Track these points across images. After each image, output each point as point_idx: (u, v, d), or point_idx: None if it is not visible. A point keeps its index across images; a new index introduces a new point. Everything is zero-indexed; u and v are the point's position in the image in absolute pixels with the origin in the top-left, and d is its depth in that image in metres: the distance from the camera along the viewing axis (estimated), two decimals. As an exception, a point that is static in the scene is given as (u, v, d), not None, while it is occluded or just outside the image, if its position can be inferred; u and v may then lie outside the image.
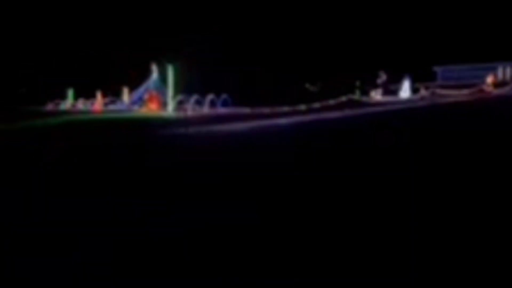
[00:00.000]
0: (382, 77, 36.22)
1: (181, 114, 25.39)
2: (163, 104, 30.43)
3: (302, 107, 16.79)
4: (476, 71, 45.80)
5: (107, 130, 17.30)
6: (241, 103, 29.70)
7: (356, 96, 36.75)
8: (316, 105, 17.91)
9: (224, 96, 29.00)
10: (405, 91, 34.78)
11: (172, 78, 27.48)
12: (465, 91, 31.35)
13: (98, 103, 32.67)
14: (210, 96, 28.11)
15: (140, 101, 34.21)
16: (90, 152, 11.11)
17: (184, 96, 28.08)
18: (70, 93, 35.29)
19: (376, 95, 35.12)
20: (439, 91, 30.03)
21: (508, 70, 40.58)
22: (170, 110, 27.24)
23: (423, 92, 33.81)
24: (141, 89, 36.38)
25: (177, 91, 28.05)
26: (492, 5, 44.92)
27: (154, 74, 35.81)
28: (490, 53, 44.69)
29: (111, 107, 32.77)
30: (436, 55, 45.96)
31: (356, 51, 39.44)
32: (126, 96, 34.76)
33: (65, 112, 27.81)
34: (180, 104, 27.85)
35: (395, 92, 35.39)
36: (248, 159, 9.66)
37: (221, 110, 26.82)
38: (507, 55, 43.93)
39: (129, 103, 34.30)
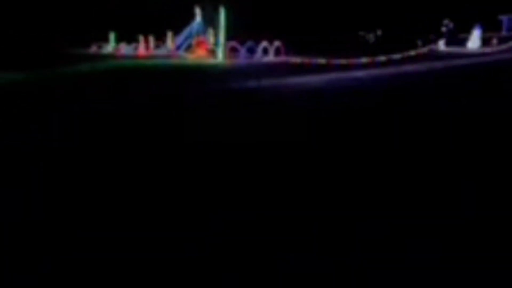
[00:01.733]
0: (448, 26, 32.86)
1: (233, 62, 23.38)
2: (212, 50, 28.44)
3: (382, 58, 14.44)
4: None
5: (166, 78, 15.59)
6: (294, 51, 27.41)
7: (419, 47, 33.74)
8: (396, 56, 15.43)
9: (277, 43, 26.66)
10: (474, 41, 31.52)
11: (224, 22, 25.19)
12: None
13: (142, 48, 30.85)
14: (263, 43, 25.86)
15: (185, 46, 32.29)
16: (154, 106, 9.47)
17: (235, 42, 25.93)
18: (112, 36, 33.53)
19: (440, 45, 32.01)
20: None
21: None
22: (220, 57, 25.18)
23: (494, 41, 30.56)
24: (185, 33, 34.38)
25: (228, 36, 25.81)
26: None
27: (198, 18, 33.63)
28: None
29: (156, 52, 30.94)
30: (502, 3, 41.69)
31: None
32: (170, 41, 32.78)
33: (109, 56, 26.18)
34: (231, 51, 25.74)
35: (462, 42, 32.19)
36: (336, 118, 7.85)
37: (279, 58, 24.64)
38: None
39: (173, 48, 32.42)
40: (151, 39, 32.69)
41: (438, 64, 18.61)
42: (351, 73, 15.50)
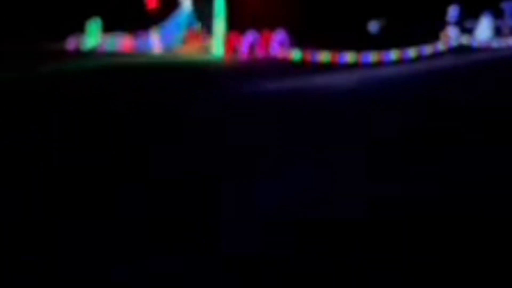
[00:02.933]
0: (454, 13, 30.81)
1: (235, 58, 20.70)
2: (207, 45, 25.64)
3: (411, 52, 12.29)
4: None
5: (168, 79, 12.86)
6: (300, 42, 24.86)
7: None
8: (426, 50, 13.22)
9: (281, 33, 24.02)
10: (484, 31, 29.66)
11: (223, 10, 22.41)
12: None
13: (127, 41, 27.70)
14: (267, 34, 23.19)
15: (174, 39, 29.35)
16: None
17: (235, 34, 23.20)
18: (93, 27, 29.97)
19: (447, 35, 30.03)
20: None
21: None
22: (219, 51, 22.43)
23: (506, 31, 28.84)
24: (172, 24, 31.37)
25: (226, 27, 23.05)
26: None
27: (186, 6, 30.62)
28: None
29: (143, 45, 27.84)
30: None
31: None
32: (155, 33, 29.71)
33: (93, 52, 23.10)
34: (230, 45, 22.98)
35: (470, 31, 30.31)
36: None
37: (284, 52, 22.05)
38: None
39: (160, 41, 29.39)
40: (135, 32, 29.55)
41: (473, 57, 16.60)
42: (379, 70, 13.24)
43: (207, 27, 26.33)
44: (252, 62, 18.35)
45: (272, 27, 23.99)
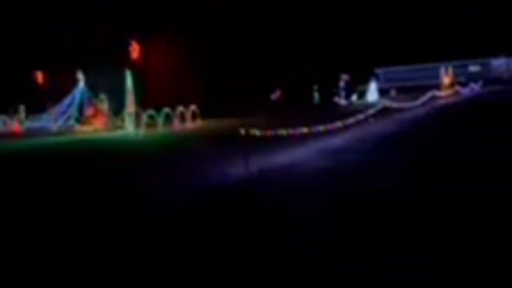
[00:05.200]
0: (345, 80, 33.37)
1: (153, 133, 19.33)
2: (109, 121, 23.92)
3: (338, 123, 11.99)
4: (416, 72, 45.91)
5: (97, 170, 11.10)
6: (207, 114, 24.49)
7: (316, 100, 33.52)
8: (351, 120, 13.22)
9: (193, 107, 23.39)
10: (372, 93, 32.33)
11: (132, 86, 21.12)
12: (443, 93, 29.85)
13: (15, 122, 24.75)
14: (180, 109, 22.30)
15: (69, 116, 26.98)
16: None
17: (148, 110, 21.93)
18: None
19: (340, 99, 32.17)
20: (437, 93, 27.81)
21: (450, 70, 40.38)
22: (130, 128, 20.84)
23: (392, 93, 31.70)
24: (67, 101, 29.03)
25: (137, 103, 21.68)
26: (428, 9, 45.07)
27: (81, 83, 28.76)
28: (428, 54, 44.91)
29: (34, 124, 25.09)
30: (377, 57, 45.01)
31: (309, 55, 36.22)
32: (51, 110, 27.29)
33: None
34: (139, 118, 21.51)
35: (362, 93, 32.79)
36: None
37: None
38: (445, 55, 44.45)
39: (55, 120, 26.86)
40: (22, 110, 26.73)
41: (397, 117, 17.43)
42: (327, 140, 12.95)
43: (113, 103, 24.73)
44: (180, 137, 17.07)
45: (183, 101, 23.37)
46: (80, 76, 28.65)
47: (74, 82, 28.53)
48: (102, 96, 26.14)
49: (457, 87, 32.50)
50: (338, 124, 12.91)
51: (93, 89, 28.27)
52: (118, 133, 20.08)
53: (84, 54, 31.15)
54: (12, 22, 32.80)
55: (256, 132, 9.56)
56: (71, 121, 25.70)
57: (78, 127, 23.37)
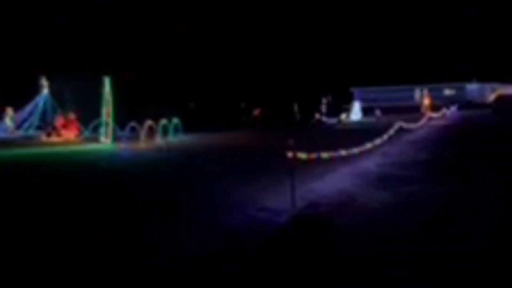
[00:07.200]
0: (328, 100, 32.31)
1: (126, 147, 17.07)
2: (82, 132, 21.43)
3: (343, 152, 10.15)
4: (390, 93, 45.77)
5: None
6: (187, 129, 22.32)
7: (297, 118, 32.19)
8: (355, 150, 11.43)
9: (175, 121, 21.27)
10: (356, 113, 31.37)
11: (110, 95, 18.78)
12: (433, 114, 29.29)
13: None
14: (163, 122, 20.10)
15: (29, 124, 24.19)
16: None
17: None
18: None
19: (325, 118, 31.00)
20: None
21: (425, 92, 40.24)
22: (105, 140, 18.44)
23: (377, 113, 30.86)
24: (28, 109, 26.20)
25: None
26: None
27: (45, 90, 26.10)
28: (402, 76, 45.03)
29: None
30: (353, 77, 44.65)
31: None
32: (9, 119, 24.43)
33: None
34: (116, 132, 19.16)
35: (348, 111, 31.70)
36: None
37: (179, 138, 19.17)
38: (418, 78, 44.63)
39: (14, 129, 24.05)
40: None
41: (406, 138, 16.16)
42: (359, 163, 11.21)
43: (81, 113, 22.31)
44: (156, 155, 14.93)
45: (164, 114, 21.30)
46: (44, 82, 26.07)
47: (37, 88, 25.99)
48: (71, 104, 23.71)
49: (444, 110, 32.15)
50: (368, 146, 11.41)
51: (59, 96, 25.78)
52: (93, 146, 17.68)
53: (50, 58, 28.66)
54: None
55: (303, 156, 7.71)
56: (31, 131, 23.01)
57: (45, 138, 20.64)
